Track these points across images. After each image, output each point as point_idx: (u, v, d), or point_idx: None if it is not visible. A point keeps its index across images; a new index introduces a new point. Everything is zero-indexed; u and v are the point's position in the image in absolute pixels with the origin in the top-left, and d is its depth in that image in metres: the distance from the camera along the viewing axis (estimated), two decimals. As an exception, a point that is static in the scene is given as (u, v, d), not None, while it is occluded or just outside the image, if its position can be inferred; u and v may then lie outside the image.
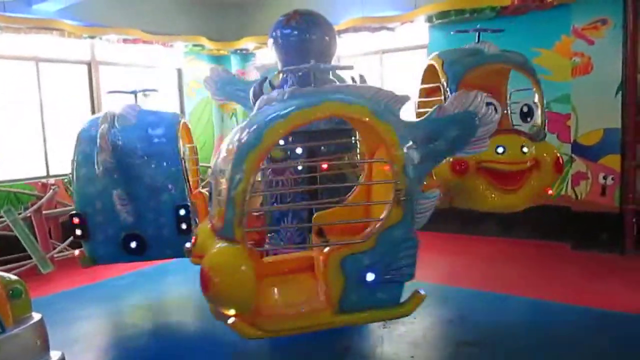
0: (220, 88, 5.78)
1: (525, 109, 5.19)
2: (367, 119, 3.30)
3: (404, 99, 3.46)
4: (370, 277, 3.23)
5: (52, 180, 7.76)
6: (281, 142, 4.76)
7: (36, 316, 3.36)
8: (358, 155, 5.08)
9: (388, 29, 8.36)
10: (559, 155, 5.11)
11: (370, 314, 3.35)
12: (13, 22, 7.33)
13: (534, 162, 4.98)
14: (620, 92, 6.65)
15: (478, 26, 5.54)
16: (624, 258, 6.61)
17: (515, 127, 5.32)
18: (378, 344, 4.40)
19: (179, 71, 10.19)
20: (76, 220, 4.77)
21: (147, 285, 6.30)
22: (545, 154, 5.04)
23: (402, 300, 3.39)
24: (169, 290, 6.19)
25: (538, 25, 7.28)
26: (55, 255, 7.10)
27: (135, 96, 5.55)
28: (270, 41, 5.16)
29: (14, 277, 3.39)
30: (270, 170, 5.08)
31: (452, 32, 5.98)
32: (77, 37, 8.09)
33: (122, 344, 4.74)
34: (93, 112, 8.81)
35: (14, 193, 7.46)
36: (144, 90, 5.76)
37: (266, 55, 9.63)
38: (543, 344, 4.25)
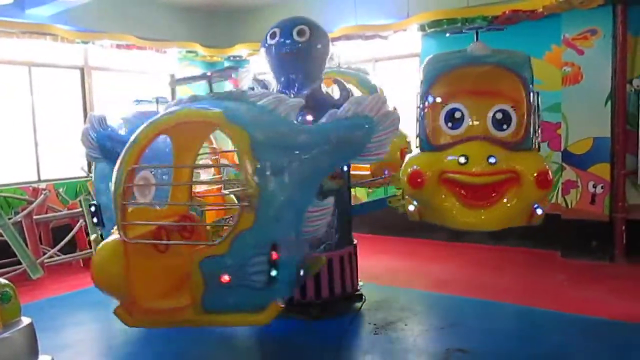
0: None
1: (499, 116, 4.42)
2: None
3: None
4: None
5: (43, 185, 7.73)
6: None
7: (25, 320, 3.35)
8: None
9: (381, 37, 8.42)
10: (543, 168, 4.26)
11: None
12: (6, 27, 7.32)
13: (512, 174, 4.28)
14: (610, 101, 6.73)
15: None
16: (613, 266, 6.66)
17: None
18: (369, 350, 4.41)
19: (173, 77, 10.18)
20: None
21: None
22: (524, 167, 4.25)
23: None
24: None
25: (529, 35, 7.34)
26: (46, 261, 7.06)
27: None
28: (263, 50, 5.14)
29: (3, 281, 3.38)
30: None
31: (447, 34, 5.59)
32: (70, 42, 8.08)
33: (112, 351, 4.71)
34: (85, 118, 8.80)
35: (4, 197, 7.42)
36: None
37: (259, 62, 9.68)
38: (532, 351, 4.27)
